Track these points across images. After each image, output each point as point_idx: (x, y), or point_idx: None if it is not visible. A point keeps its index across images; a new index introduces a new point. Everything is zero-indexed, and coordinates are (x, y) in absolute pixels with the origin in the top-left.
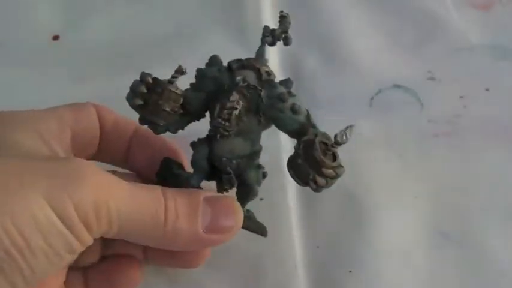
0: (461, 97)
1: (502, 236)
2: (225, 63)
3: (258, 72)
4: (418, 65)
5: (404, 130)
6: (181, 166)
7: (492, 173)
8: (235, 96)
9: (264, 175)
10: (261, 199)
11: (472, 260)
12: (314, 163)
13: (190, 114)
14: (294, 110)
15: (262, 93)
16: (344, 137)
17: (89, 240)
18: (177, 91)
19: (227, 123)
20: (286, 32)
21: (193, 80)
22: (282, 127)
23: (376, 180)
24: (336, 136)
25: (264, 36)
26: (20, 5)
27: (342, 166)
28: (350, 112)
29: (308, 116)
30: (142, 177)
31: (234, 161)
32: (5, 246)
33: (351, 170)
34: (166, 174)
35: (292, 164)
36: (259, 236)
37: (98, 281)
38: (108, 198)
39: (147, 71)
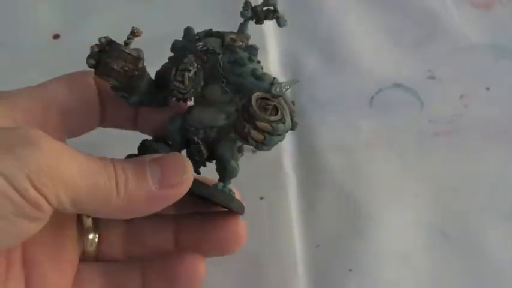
0: (461, 96)
1: (502, 236)
2: None
3: (222, 39)
4: (418, 64)
5: (405, 130)
6: (162, 139)
7: (492, 173)
8: (189, 59)
9: (240, 150)
10: (261, 198)
11: (471, 259)
12: (248, 116)
13: (165, 89)
14: (255, 75)
15: (220, 57)
16: (279, 89)
17: (45, 206)
18: (131, 52)
19: (181, 85)
20: (275, 10)
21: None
22: (243, 91)
23: (376, 180)
24: (271, 88)
25: (243, 9)
26: (20, 5)
27: (283, 121)
28: (350, 112)
29: (273, 83)
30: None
31: (202, 131)
32: None
33: (351, 170)
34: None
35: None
36: (260, 235)
37: (155, 280)
38: (60, 164)
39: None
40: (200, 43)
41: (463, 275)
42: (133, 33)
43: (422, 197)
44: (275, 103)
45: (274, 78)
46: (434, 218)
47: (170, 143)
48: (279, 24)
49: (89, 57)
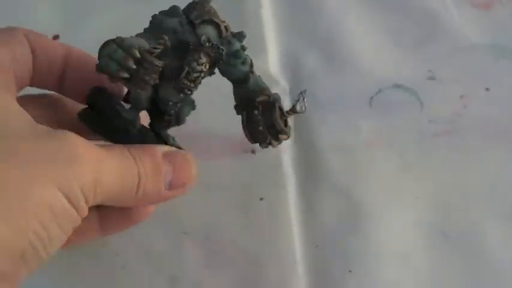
0: (461, 97)
1: (502, 236)
2: None
3: (218, 28)
4: (418, 64)
5: (405, 130)
6: (113, 97)
7: (492, 173)
8: (204, 60)
9: (194, 107)
10: (261, 199)
11: (471, 259)
12: (273, 130)
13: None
14: (244, 62)
15: (223, 51)
16: (303, 108)
17: (86, 213)
18: (160, 64)
19: (192, 85)
20: None
21: None
22: (227, 75)
23: (376, 180)
24: (294, 106)
25: None
26: (20, 5)
27: (290, 127)
28: (350, 112)
29: (251, 65)
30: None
31: (179, 104)
32: (31, 239)
33: (351, 170)
34: (98, 100)
35: (250, 126)
36: (259, 235)
37: (113, 216)
38: (101, 174)
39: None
40: (204, 38)
41: (463, 275)
42: (162, 44)
43: (422, 197)
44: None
45: (251, 60)
46: (434, 218)
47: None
48: None
49: (120, 69)
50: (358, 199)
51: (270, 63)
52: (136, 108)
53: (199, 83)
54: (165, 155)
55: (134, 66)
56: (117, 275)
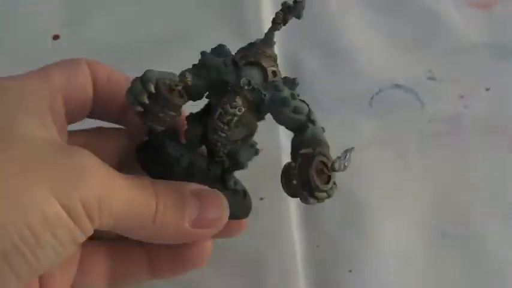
0: (461, 97)
1: (502, 236)
2: None
3: (264, 72)
4: (418, 64)
5: (405, 130)
6: (175, 135)
7: (492, 173)
8: (238, 103)
9: (257, 152)
10: (261, 199)
11: (472, 259)
12: (308, 185)
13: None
14: (295, 111)
15: (266, 97)
16: (342, 166)
17: (90, 231)
18: (179, 102)
19: (226, 127)
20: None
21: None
22: (281, 123)
23: (376, 180)
24: (333, 163)
25: (277, 17)
26: (20, 5)
27: (335, 185)
28: (350, 112)
29: (309, 114)
30: (136, 134)
31: (229, 147)
32: (14, 240)
33: (351, 170)
34: (151, 153)
35: (286, 181)
36: (260, 236)
37: (162, 257)
38: (110, 193)
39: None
40: (244, 80)
41: (463, 275)
42: (183, 81)
43: (422, 197)
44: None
45: (308, 109)
46: (434, 218)
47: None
48: (296, 14)
49: (134, 102)
50: (358, 199)
51: None
52: (189, 146)
53: (236, 126)
54: (194, 192)
55: (147, 101)
56: None
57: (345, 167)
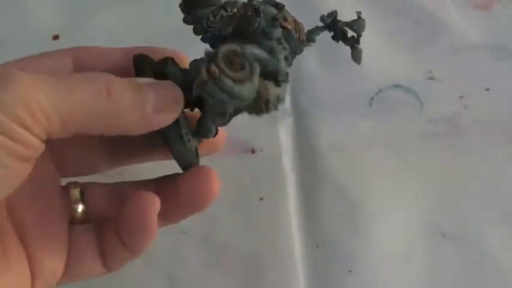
0: (461, 97)
1: (502, 236)
2: None
3: (277, 13)
4: (418, 64)
5: (405, 130)
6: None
7: (492, 173)
8: (238, 3)
9: (224, 120)
10: (261, 199)
11: (471, 260)
12: (208, 57)
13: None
14: (271, 54)
15: (259, 20)
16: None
17: (34, 141)
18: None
19: (211, 18)
20: (356, 39)
21: None
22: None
23: (376, 180)
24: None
25: (326, 15)
26: (20, 5)
27: (237, 81)
28: (350, 112)
29: (281, 71)
30: None
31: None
32: None
33: (351, 170)
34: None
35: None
36: (260, 236)
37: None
38: (37, 93)
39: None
40: (257, 0)
41: (463, 275)
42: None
43: (422, 197)
44: (242, 67)
45: (285, 70)
46: (434, 218)
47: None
48: (353, 57)
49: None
50: (358, 199)
51: None
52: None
53: (218, 27)
54: (147, 82)
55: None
56: (115, 274)
57: (252, 54)
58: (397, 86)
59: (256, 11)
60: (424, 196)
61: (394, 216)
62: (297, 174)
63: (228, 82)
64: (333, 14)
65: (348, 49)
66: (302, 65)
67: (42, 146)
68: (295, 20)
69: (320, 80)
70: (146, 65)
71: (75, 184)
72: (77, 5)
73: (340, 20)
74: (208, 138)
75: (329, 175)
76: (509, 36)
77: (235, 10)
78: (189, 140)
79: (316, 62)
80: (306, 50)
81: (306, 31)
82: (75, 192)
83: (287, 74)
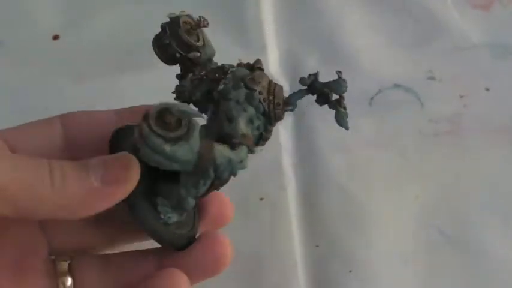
0: (461, 97)
1: (502, 236)
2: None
3: (248, 74)
4: (418, 64)
5: (405, 130)
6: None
7: (492, 173)
8: (207, 67)
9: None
10: (261, 199)
11: (472, 260)
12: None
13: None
14: (228, 116)
15: (227, 82)
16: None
17: None
18: (186, 40)
19: (182, 81)
20: (339, 101)
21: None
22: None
23: (376, 180)
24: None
25: (306, 77)
26: (20, 5)
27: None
28: (350, 112)
29: (236, 137)
30: None
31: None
32: None
33: (351, 170)
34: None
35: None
36: (260, 236)
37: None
38: None
39: (147, 71)
40: (231, 64)
41: (463, 275)
42: (198, 24)
43: (422, 197)
44: (177, 119)
45: (245, 133)
46: (434, 218)
47: None
48: (337, 120)
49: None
50: (358, 199)
51: (270, 63)
52: None
53: (189, 90)
54: (97, 158)
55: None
56: None
57: (179, 110)
58: (397, 86)
59: (225, 73)
60: (424, 196)
61: (395, 216)
62: (297, 174)
63: (157, 141)
64: (314, 76)
65: (348, 49)
66: (302, 65)
67: None
68: (270, 82)
69: (320, 79)
70: (121, 142)
71: (63, 256)
72: (77, 5)
73: (319, 82)
74: (187, 211)
75: (329, 175)
76: (509, 36)
77: (202, 73)
78: (167, 213)
79: (316, 62)
80: (306, 50)
81: (285, 95)
82: (63, 265)
83: (248, 137)
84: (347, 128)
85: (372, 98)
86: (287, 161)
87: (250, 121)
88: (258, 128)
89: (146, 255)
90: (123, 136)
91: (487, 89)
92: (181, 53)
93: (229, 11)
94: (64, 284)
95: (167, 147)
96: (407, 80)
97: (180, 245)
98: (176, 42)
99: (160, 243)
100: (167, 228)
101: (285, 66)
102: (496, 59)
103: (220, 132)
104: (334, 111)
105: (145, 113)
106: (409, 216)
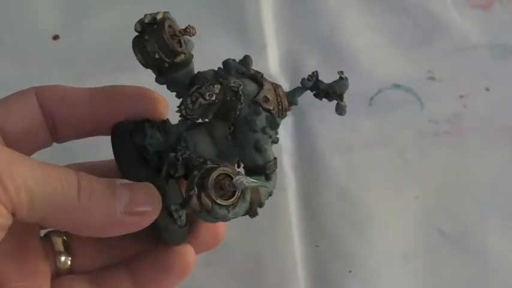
0: (461, 97)
1: (502, 236)
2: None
3: (258, 91)
4: (418, 64)
5: (405, 130)
6: (154, 124)
7: (492, 173)
8: (213, 89)
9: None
10: None
11: (471, 259)
12: (201, 184)
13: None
14: (256, 147)
15: (241, 107)
16: (240, 182)
17: (2, 211)
18: (169, 43)
19: (190, 106)
20: (340, 96)
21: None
22: (241, 157)
23: (376, 180)
24: (236, 177)
25: (307, 78)
26: (20, 5)
27: (228, 209)
28: (350, 112)
29: (269, 166)
30: None
31: (189, 153)
32: None
33: (351, 170)
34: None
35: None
36: (259, 236)
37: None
38: (11, 166)
39: (146, 71)
40: (235, 80)
41: (463, 275)
42: (185, 31)
43: (422, 197)
44: (235, 190)
45: (274, 158)
46: (434, 218)
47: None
48: (337, 111)
49: (138, 22)
50: (358, 199)
51: (270, 63)
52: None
53: (198, 115)
54: (123, 183)
55: (146, 21)
56: None
57: (244, 184)
58: (397, 86)
59: (236, 94)
60: (424, 196)
61: (394, 216)
62: (297, 174)
63: (222, 211)
64: (314, 76)
65: (348, 49)
66: (302, 65)
67: (10, 218)
68: (275, 89)
69: (320, 79)
70: (124, 141)
71: (57, 233)
72: (77, 5)
73: (322, 82)
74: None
75: (329, 175)
76: (509, 36)
77: (213, 98)
78: (180, 217)
79: (316, 62)
80: (306, 50)
81: (286, 93)
82: (58, 241)
83: (275, 162)
84: (344, 114)
85: (371, 98)
86: (287, 162)
87: (273, 141)
88: (276, 142)
89: (144, 230)
90: (121, 135)
91: (487, 89)
92: (165, 59)
93: (229, 11)
94: (62, 261)
95: (230, 214)
96: (407, 80)
97: (177, 243)
98: (159, 46)
99: (173, 244)
100: (179, 229)
101: (285, 66)
102: (496, 59)
103: (252, 164)
104: (333, 108)
105: (201, 182)
106: (409, 216)
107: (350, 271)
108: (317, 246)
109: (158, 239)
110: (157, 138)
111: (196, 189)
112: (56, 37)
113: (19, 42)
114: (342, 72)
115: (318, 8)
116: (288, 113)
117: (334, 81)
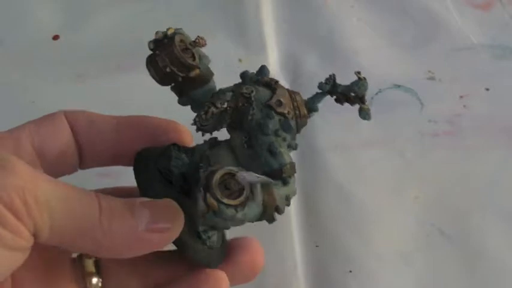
0: (461, 97)
1: (502, 236)
2: (223, 65)
3: (271, 96)
4: (418, 64)
5: (405, 130)
6: (181, 147)
7: (492, 173)
8: (224, 97)
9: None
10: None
11: (472, 259)
12: (206, 184)
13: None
14: (270, 151)
15: (253, 112)
16: (242, 177)
17: (24, 232)
18: (180, 57)
19: (203, 116)
20: (361, 99)
21: None
22: (260, 165)
23: (376, 180)
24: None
25: (324, 82)
26: (20, 5)
27: (237, 209)
28: (350, 112)
29: (285, 169)
30: None
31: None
32: None
33: (351, 170)
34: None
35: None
36: (259, 236)
37: None
38: (35, 187)
39: (147, 71)
40: (247, 87)
41: (463, 275)
42: (195, 43)
43: (422, 197)
44: (241, 187)
45: (291, 162)
46: (434, 218)
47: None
48: (361, 115)
49: (151, 40)
50: (358, 199)
51: (270, 63)
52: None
53: (212, 124)
54: (143, 201)
55: (160, 38)
56: None
57: (246, 179)
58: (397, 86)
59: (248, 100)
60: (424, 196)
61: (394, 216)
62: (297, 174)
63: (229, 211)
64: (331, 79)
65: (347, 49)
66: (302, 65)
67: (32, 239)
68: (291, 95)
69: (320, 79)
70: (148, 164)
71: (88, 255)
72: (77, 5)
73: (340, 85)
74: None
75: (329, 175)
76: (509, 36)
77: (225, 105)
78: (209, 238)
79: (316, 62)
80: (306, 50)
81: (305, 100)
82: (89, 262)
83: (293, 165)
84: (370, 119)
85: (371, 98)
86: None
87: (289, 145)
88: (295, 148)
89: (175, 254)
90: (146, 160)
91: (487, 89)
92: (177, 73)
93: (229, 11)
94: (93, 284)
95: (239, 215)
96: (407, 80)
97: (215, 265)
98: (170, 60)
99: (205, 266)
100: (210, 251)
101: (285, 66)
102: (496, 59)
103: (267, 169)
104: (333, 107)
105: (205, 183)
106: (409, 216)
107: (350, 271)
108: (317, 246)
109: (190, 263)
110: (182, 159)
111: (202, 191)
112: (56, 37)
113: (19, 42)
114: (359, 72)
115: (317, 8)
116: None
117: (352, 83)
